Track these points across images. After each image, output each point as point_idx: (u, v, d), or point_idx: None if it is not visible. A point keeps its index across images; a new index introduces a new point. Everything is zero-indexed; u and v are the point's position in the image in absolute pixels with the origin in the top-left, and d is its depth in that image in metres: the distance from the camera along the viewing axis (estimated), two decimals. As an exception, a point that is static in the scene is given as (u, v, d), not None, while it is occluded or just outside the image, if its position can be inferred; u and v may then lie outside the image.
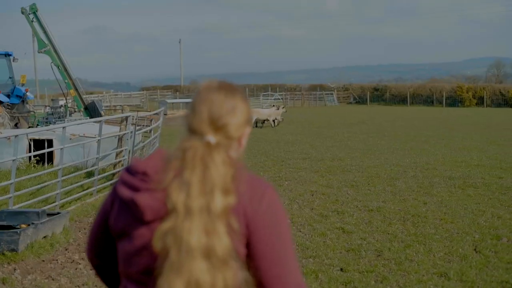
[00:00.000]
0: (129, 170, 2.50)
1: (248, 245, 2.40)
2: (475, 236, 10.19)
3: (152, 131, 22.11)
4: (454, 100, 79.29)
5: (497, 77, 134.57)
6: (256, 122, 39.15)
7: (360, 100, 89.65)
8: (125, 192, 2.45)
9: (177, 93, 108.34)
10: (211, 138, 2.40)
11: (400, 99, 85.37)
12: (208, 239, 2.25)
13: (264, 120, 39.81)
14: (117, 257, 2.58)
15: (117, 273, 2.62)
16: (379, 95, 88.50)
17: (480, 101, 78.67)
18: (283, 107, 42.49)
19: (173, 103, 64.76)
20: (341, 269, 8.57)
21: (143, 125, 24.62)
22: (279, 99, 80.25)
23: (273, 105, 43.10)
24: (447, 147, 24.62)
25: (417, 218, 11.62)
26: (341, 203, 13.24)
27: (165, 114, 39.28)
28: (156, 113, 25.80)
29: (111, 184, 15.41)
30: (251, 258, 2.41)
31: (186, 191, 2.29)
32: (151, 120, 26.11)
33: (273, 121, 40.28)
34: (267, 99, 78.61)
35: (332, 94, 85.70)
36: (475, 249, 9.46)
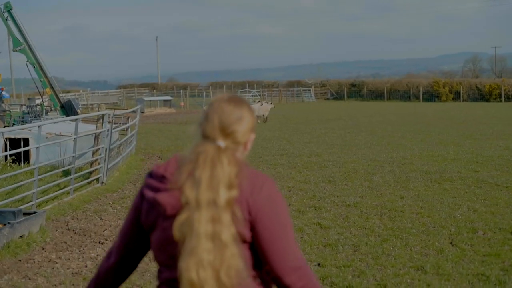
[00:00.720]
0: (151, 174, 3.03)
1: (253, 229, 2.88)
2: (451, 230, 10.25)
3: (129, 129, 22.06)
4: (431, 95, 79.71)
5: (473, 72, 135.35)
6: None
7: (338, 96, 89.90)
8: (149, 193, 2.98)
9: (155, 91, 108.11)
10: (221, 143, 2.91)
11: (377, 95, 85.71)
12: (213, 227, 2.75)
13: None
14: (142, 250, 3.17)
15: (123, 272, 3.22)
16: (356, 91, 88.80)
17: (457, 96, 79.12)
18: (271, 103, 42.83)
19: (150, 101, 64.58)
20: (319, 264, 8.59)
21: (120, 123, 24.53)
22: (256, 95, 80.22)
23: (258, 101, 43.24)
24: (424, 142, 24.75)
25: (394, 212, 11.67)
26: (318, 199, 13.27)
27: (142, 112, 39.29)
28: (133, 111, 25.74)
29: (88, 182, 15.36)
30: (256, 240, 2.89)
31: (197, 187, 2.79)
32: (128, 118, 26.03)
33: (262, 116, 40.80)
34: (245, 96, 78.56)
35: (309, 90, 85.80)
36: (451, 243, 9.52)
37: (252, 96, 79.46)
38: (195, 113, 54.98)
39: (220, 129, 2.92)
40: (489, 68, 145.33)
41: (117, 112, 24.26)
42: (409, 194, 13.43)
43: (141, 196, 3.07)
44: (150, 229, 3.03)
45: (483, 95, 77.46)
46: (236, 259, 2.77)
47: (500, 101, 74.93)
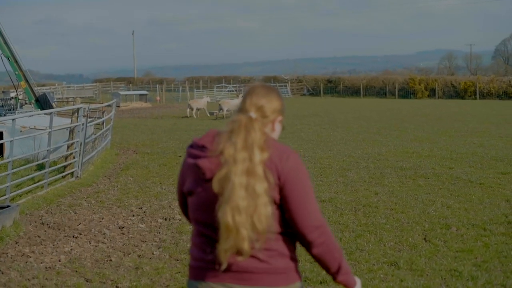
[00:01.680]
0: (191, 145, 3.58)
1: (281, 192, 3.39)
2: (425, 226, 10.32)
3: (104, 123, 21.97)
4: (407, 92, 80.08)
5: (449, 69, 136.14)
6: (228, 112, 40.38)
7: (314, 92, 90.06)
8: (190, 160, 3.53)
9: (131, 85, 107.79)
10: (252, 114, 3.50)
11: (353, 91, 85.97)
12: (248, 179, 3.28)
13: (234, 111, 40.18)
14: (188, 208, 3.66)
15: None
16: (332, 87, 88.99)
17: (432, 93, 79.55)
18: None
19: (126, 95, 64.33)
20: None
21: (95, 117, 24.43)
22: (232, 91, 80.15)
23: (241, 95, 43.36)
24: (399, 138, 24.87)
25: (368, 208, 11.72)
26: (294, 194, 13.26)
27: (117, 106, 39.13)
28: (108, 105, 25.62)
29: (63, 176, 15.28)
30: (283, 202, 3.40)
31: (233, 148, 3.34)
32: (103, 112, 25.92)
33: None
34: (221, 91, 78.55)
35: (285, 86, 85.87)
36: (424, 238, 9.58)
37: (228, 91, 79.42)
38: (171, 108, 54.87)
39: (252, 104, 3.55)
40: (464, 65, 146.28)
41: (93, 106, 24.14)
42: (383, 190, 13.49)
43: (184, 164, 3.64)
44: (190, 192, 3.55)
45: (458, 93, 77.94)
46: (267, 208, 3.29)
47: (475, 98, 75.44)
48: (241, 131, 3.40)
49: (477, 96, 75.69)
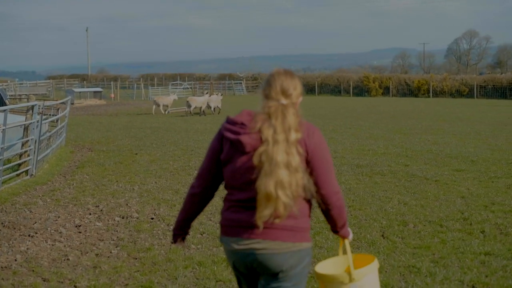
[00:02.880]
0: (230, 122, 4.24)
1: (308, 163, 4.18)
2: (383, 223, 10.38)
3: (59, 121, 21.72)
4: (361, 90, 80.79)
5: (402, 67, 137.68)
6: (198, 109, 41.23)
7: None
8: (231, 136, 4.18)
9: (85, 82, 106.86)
10: (284, 101, 4.22)
11: (308, 89, 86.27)
12: (287, 157, 4.02)
13: (201, 108, 40.80)
14: (219, 180, 4.40)
15: (206, 192, 4.43)
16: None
17: (386, 91, 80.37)
18: (221, 94, 43.31)
19: (80, 92, 63.76)
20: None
21: (50, 115, 24.14)
22: (188, 88, 79.96)
23: (207, 93, 43.51)
24: (355, 136, 24.99)
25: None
26: (251, 192, 13.26)
27: (72, 104, 38.74)
28: (62, 102, 25.35)
29: (17, 175, 15.06)
30: (310, 170, 4.18)
31: (273, 130, 4.06)
32: (58, 109, 25.64)
33: (214, 108, 42.11)
34: (176, 88, 78.31)
35: (241, 83, 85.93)
36: (382, 235, 9.64)
37: (183, 88, 79.22)
38: (126, 105, 54.52)
39: (282, 92, 4.24)
40: (417, 64, 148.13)
41: (47, 103, 23.86)
42: (340, 187, 13.47)
43: (221, 138, 4.29)
44: (226, 163, 4.24)
45: (411, 91, 78.83)
46: (304, 179, 4.10)
47: (428, 96, 76.38)
48: (279, 116, 4.11)
49: (431, 94, 76.66)
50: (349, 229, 4.62)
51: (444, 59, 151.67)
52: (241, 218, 4.19)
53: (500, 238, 9.40)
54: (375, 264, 4.52)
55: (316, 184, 4.20)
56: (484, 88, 74.23)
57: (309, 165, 4.18)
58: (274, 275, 4.22)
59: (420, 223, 10.32)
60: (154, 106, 43.95)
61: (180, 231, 4.68)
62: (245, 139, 4.12)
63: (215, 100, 41.94)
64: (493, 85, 73.74)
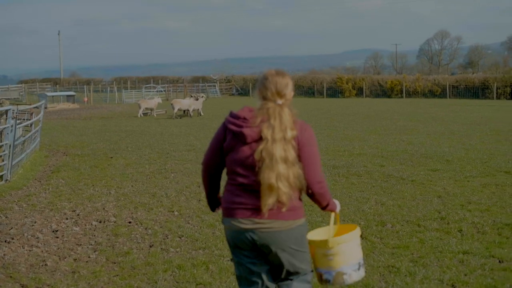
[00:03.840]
0: (233, 116, 4.85)
1: (299, 153, 4.76)
2: (361, 223, 10.40)
3: (33, 125, 21.56)
4: (335, 91, 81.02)
5: (375, 68, 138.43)
6: (183, 111, 41.99)
7: (243, 92, 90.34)
8: (234, 128, 4.79)
9: (57, 86, 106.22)
10: (279, 101, 4.83)
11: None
12: (285, 153, 4.65)
13: (185, 110, 41.36)
14: (222, 164, 4.99)
15: (216, 177, 5.09)
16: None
17: (360, 92, 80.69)
18: (203, 97, 43.37)
19: (53, 96, 63.35)
20: (231, 260, 8.56)
21: (24, 119, 23.95)
22: (161, 91, 79.74)
23: (191, 96, 43.43)
24: (330, 137, 25.06)
25: (304, 207, 11.71)
26: (229, 194, 13.23)
27: (45, 108, 38.48)
28: (36, 107, 25.17)
29: None
30: (300, 160, 4.77)
31: (272, 129, 4.67)
32: (31, 114, 25.44)
33: (198, 110, 42.39)
34: (149, 91, 78.06)
35: (214, 85, 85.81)
36: (361, 236, 9.65)
37: (157, 91, 78.98)
38: (100, 109, 54.24)
39: (277, 93, 4.83)
40: (390, 64, 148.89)
41: (21, 107, 23.68)
42: (318, 189, 13.51)
43: (225, 129, 4.88)
44: (228, 151, 4.85)
45: (385, 91, 79.22)
46: (298, 171, 4.72)
47: (402, 97, 76.79)
48: (276, 117, 4.72)
49: (404, 94, 77.06)
50: (335, 202, 5.20)
51: (416, 60, 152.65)
52: (244, 200, 4.80)
53: (478, 236, 9.47)
54: (354, 233, 5.22)
55: (304, 170, 4.78)
56: (457, 88, 74.75)
57: (299, 155, 4.77)
58: (280, 251, 4.85)
59: (398, 223, 10.37)
60: (139, 110, 44.00)
61: (213, 204, 5.34)
62: (247, 131, 4.73)
63: (198, 103, 42.00)
64: (465, 85, 74.27)
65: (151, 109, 44.97)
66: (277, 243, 4.81)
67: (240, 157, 4.78)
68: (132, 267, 8.34)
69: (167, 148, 21.94)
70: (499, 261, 8.19)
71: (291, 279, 5.04)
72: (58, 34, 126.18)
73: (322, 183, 4.88)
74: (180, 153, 20.37)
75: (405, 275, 7.64)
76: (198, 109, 42.33)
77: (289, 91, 4.92)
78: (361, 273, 5.23)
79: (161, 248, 9.24)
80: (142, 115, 43.71)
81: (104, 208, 12.10)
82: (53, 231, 10.39)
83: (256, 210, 4.76)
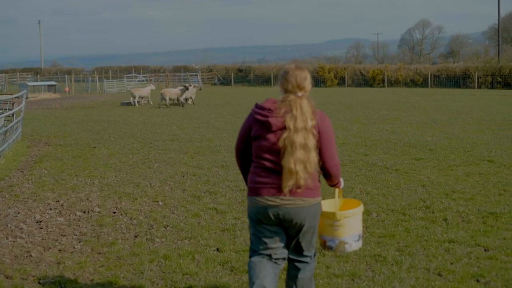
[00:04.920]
0: (259, 107, 5.40)
1: (318, 141, 5.33)
2: (346, 212, 10.39)
3: (14, 115, 21.41)
4: (317, 80, 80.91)
5: (357, 57, 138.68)
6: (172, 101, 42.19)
7: (225, 81, 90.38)
8: (261, 118, 5.34)
9: (38, 76, 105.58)
10: (299, 93, 5.39)
11: (264, 80, 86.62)
12: (304, 141, 5.20)
13: (176, 99, 41.80)
14: (250, 150, 5.52)
15: (247, 161, 5.64)
16: (243, 76, 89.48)
17: (342, 81, 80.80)
18: (195, 86, 43.33)
19: (34, 86, 62.96)
20: (218, 249, 8.55)
21: (5, 109, 23.79)
22: (143, 80, 79.44)
23: (184, 86, 43.29)
24: (313, 126, 24.98)
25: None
26: (213, 184, 13.24)
27: (26, 98, 38.25)
28: (17, 97, 24.99)
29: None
30: (319, 147, 5.34)
31: (294, 119, 5.22)
32: (13, 104, 25.26)
33: (190, 99, 42.56)
34: (131, 81, 77.79)
35: (196, 75, 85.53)
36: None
37: (139, 81, 78.70)
38: (81, 99, 53.99)
39: (297, 86, 5.39)
40: (371, 54, 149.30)
41: (2, 97, 23.50)
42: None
43: (251, 119, 5.44)
44: (256, 138, 5.40)
45: (367, 81, 79.36)
46: (315, 158, 5.29)
47: (384, 86, 76.93)
48: (298, 108, 5.26)
49: (386, 84, 77.21)
50: (341, 180, 5.78)
51: (397, 49, 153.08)
52: (269, 181, 5.36)
53: (463, 225, 9.51)
54: (359, 209, 5.85)
55: (321, 157, 5.39)
56: (438, 78, 74.93)
57: (318, 143, 5.33)
58: (298, 225, 5.43)
59: (383, 212, 10.39)
60: (131, 98, 43.76)
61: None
62: (272, 120, 5.28)
63: (191, 92, 41.95)
64: (447, 75, 74.47)
65: (144, 97, 44.87)
66: (298, 217, 5.37)
67: (266, 143, 5.34)
68: (117, 257, 8.30)
69: (150, 137, 21.87)
70: (485, 250, 8.23)
71: (298, 268, 5.69)
72: (39, 23, 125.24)
73: (338, 165, 5.54)
74: (163, 143, 20.31)
75: (392, 264, 7.66)
76: (191, 98, 42.35)
77: (308, 84, 5.47)
78: (360, 244, 5.90)
79: (147, 239, 9.20)
80: (136, 104, 43.45)
81: (88, 199, 12.03)
82: (37, 222, 10.31)
83: (279, 189, 5.31)
